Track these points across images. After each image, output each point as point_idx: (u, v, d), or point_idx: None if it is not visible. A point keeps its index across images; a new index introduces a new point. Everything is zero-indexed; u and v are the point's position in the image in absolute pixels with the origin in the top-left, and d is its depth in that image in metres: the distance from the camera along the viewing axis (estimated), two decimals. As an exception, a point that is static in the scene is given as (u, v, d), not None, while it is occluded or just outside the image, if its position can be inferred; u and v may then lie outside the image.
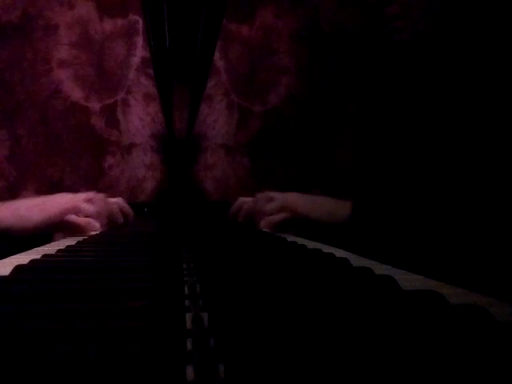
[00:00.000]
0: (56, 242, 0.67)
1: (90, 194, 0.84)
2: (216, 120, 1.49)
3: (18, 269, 0.36)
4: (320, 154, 1.50)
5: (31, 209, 0.72)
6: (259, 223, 0.84)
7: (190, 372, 0.18)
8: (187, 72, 0.63)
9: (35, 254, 0.50)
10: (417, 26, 0.77)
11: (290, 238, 0.71)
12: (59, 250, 0.49)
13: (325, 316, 0.23)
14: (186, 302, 0.28)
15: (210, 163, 1.49)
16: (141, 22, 1.44)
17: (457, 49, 0.77)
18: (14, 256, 0.51)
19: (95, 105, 1.45)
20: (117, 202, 0.94)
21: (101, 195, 0.88)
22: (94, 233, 0.76)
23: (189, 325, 0.23)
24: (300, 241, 0.67)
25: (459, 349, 0.19)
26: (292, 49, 1.50)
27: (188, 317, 0.24)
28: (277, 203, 0.84)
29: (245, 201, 0.99)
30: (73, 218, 0.72)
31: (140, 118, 1.47)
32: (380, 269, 0.41)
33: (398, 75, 1.32)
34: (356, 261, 0.44)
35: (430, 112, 0.84)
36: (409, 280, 0.36)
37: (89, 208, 0.77)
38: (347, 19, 1.50)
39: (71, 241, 0.65)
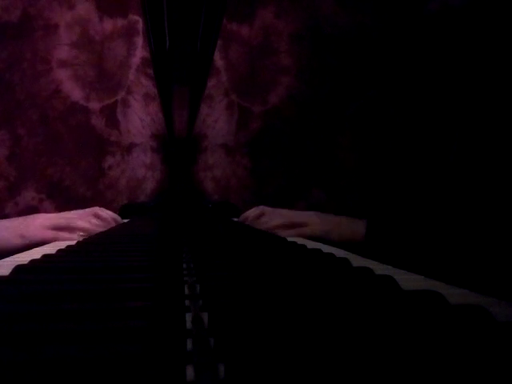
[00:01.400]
0: (56, 242, 0.67)
1: (80, 212, 0.83)
2: (216, 120, 1.49)
3: (18, 269, 0.36)
4: (320, 154, 1.50)
5: (11, 234, 0.71)
6: None
7: (190, 372, 0.18)
8: (187, 72, 0.63)
9: (35, 254, 0.50)
10: (451, 1, 0.76)
11: (290, 238, 0.71)
12: (59, 250, 0.49)
13: (325, 316, 0.23)
14: (186, 302, 0.28)
15: (210, 163, 1.49)
16: (141, 22, 1.44)
17: (483, 36, 0.76)
18: (14, 256, 0.51)
19: (95, 105, 1.45)
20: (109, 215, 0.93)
21: (93, 211, 0.87)
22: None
23: (189, 325, 0.23)
24: (300, 241, 0.67)
25: (459, 349, 0.19)
26: (292, 49, 1.50)
27: (188, 317, 0.24)
28: (281, 219, 0.84)
29: (247, 216, 0.99)
30: (66, 238, 0.71)
31: (140, 118, 1.47)
32: (380, 269, 0.41)
33: (404, 72, 1.31)
34: (356, 261, 0.44)
35: (431, 112, 0.84)
36: (409, 280, 0.36)
37: (82, 224, 0.76)
38: (347, 19, 1.50)
39: (71, 241, 0.65)
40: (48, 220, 0.74)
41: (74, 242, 0.60)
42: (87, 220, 0.79)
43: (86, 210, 0.88)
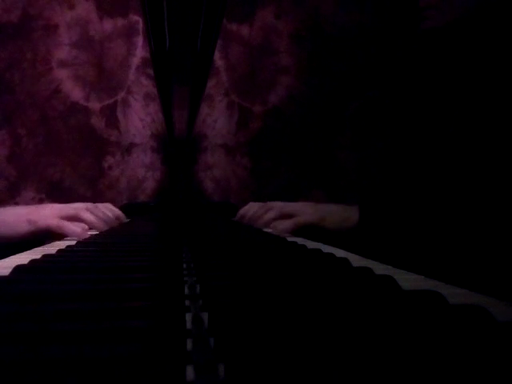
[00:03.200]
0: (56, 242, 0.67)
1: (88, 204, 0.84)
2: (216, 120, 1.49)
3: (18, 269, 0.36)
4: (320, 154, 1.50)
5: (19, 218, 0.72)
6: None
7: (190, 372, 0.18)
8: (187, 72, 0.63)
9: (35, 254, 0.50)
10: (447, 17, 0.77)
11: (290, 238, 0.71)
12: (59, 250, 0.49)
13: (325, 316, 0.23)
14: (186, 302, 0.28)
15: (210, 163, 1.49)
16: (141, 22, 1.44)
17: (480, 46, 0.76)
18: (14, 256, 0.51)
19: (95, 105, 1.45)
20: (108, 208, 0.94)
21: (95, 204, 0.88)
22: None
23: (189, 325, 0.23)
24: (300, 241, 0.67)
25: (459, 349, 0.19)
26: (292, 49, 1.50)
27: (188, 317, 0.24)
28: (275, 211, 0.84)
29: (246, 212, 1.00)
30: (69, 228, 0.71)
31: (140, 118, 1.47)
32: (380, 269, 0.41)
33: (404, 71, 1.32)
34: (356, 261, 0.44)
35: (432, 112, 0.84)
36: (409, 280, 0.36)
37: (89, 217, 0.77)
38: (347, 19, 1.50)
39: (71, 241, 0.65)
40: (57, 209, 0.76)
41: (73, 242, 0.60)
42: (95, 213, 0.80)
43: (96, 204, 0.88)
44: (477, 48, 0.77)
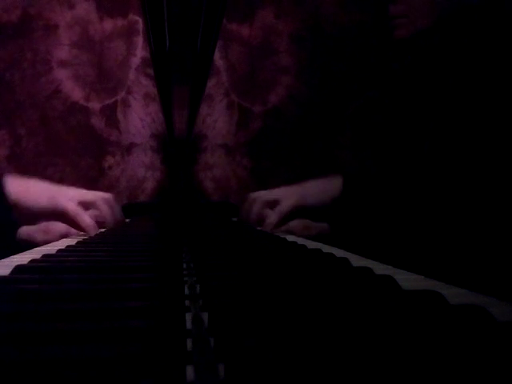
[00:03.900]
0: (56, 242, 0.67)
1: (106, 195, 0.84)
2: (216, 120, 1.49)
3: (18, 269, 0.36)
4: (320, 154, 1.50)
5: (42, 193, 0.73)
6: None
7: (190, 372, 0.18)
8: (187, 72, 0.63)
9: (35, 254, 0.50)
10: (417, 25, 0.78)
11: (290, 238, 0.71)
12: (59, 250, 0.49)
13: (325, 316, 0.23)
14: (186, 302, 0.28)
15: (210, 163, 1.49)
16: (141, 22, 1.44)
17: (455, 50, 0.78)
18: (14, 256, 0.51)
19: (95, 105, 1.45)
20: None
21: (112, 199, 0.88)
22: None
23: (189, 325, 0.23)
24: (300, 241, 0.67)
25: (459, 349, 0.19)
26: (292, 49, 1.50)
27: (188, 317, 0.24)
28: (258, 204, 0.84)
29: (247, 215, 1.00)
30: (83, 218, 0.71)
31: (140, 118, 1.47)
32: (380, 269, 0.41)
33: (398, 74, 1.33)
34: (356, 261, 0.44)
35: (431, 111, 0.84)
36: (409, 280, 0.36)
37: (105, 208, 0.78)
38: (347, 19, 1.50)
39: (71, 241, 0.65)
40: (78, 193, 0.77)
41: (73, 242, 0.60)
42: (110, 207, 0.81)
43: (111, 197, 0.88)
44: (453, 53, 0.78)
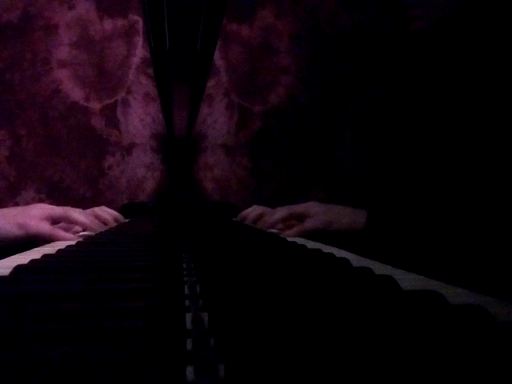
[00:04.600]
0: (56, 242, 0.67)
1: (76, 210, 0.82)
2: (216, 120, 1.49)
3: (18, 269, 0.36)
4: (320, 154, 1.50)
5: (8, 222, 0.70)
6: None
7: (189, 372, 0.18)
8: (187, 72, 0.63)
9: (35, 253, 0.50)
10: (434, 16, 0.77)
11: (290, 238, 0.71)
12: (59, 250, 0.49)
13: (325, 316, 0.23)
14: (186, 302, 0.28)
15: (210, 163, 1.49)
16: (141, 22, 1.44)
17: (470, 45, 0.76)
18: (14, 256, 0.51)
19: (95, 105, 1.45)
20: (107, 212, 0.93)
21: (92, 211, 0.87)
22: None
23: (189, 325, 0.23)
24: (300, 241, 0.67)
25: (459, 349, 0.19)
26: (292, 49, 1.51)
27: (188, 317, 0.24)
28: (284, 211, 0.84)
29: (246, 216, 0.99)
30: (61, 236, 0.70)
31: (140, 118, 1.47)
32: (380, 269, 0.41)
33: (403, 72, 1.32)
34: (356, 261, 0.44)
35: (432, 112, 0.84)
36: (409, 280, 0.36)
37: (78, 217, 0.75)
38: (347, 19, 1.50)
39: (71, 241, 0.65)
40: (45, 210, 0.73)
41: (73, 242, 0.60)
42: (85, 215, 0.78)
43: (87, 210, 0.88)
44: (468, 47, 0.76)
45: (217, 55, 1.45)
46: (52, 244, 0.65)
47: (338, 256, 0.45)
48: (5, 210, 0.73)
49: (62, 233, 0.70)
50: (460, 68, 0.78)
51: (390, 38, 1.43)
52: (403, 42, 1.16)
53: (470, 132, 0.72)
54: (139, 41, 1.46)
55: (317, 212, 0.80)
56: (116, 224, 0.95)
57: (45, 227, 0.69)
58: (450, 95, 0.78)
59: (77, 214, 0.76)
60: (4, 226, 0.69)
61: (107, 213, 0.93)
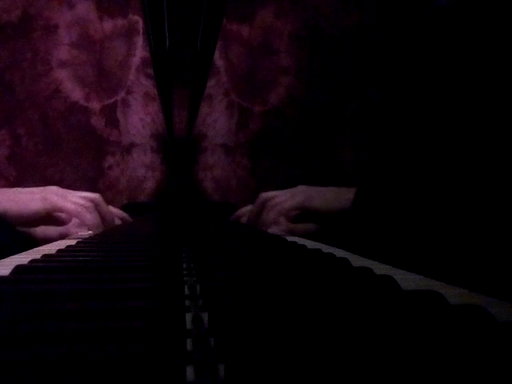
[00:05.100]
0: (56, 242, 0.67)
1: (94, 196, 0.82)
2: (216, 120, 1.49)
3: (18, 269, 0.36)
4: (320, 154, 1.50)
5: (33, 196, 0.70)
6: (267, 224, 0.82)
7: (190, 372, 0.18)
8: (187, 72, 0.63)
9: (35, 253, 0.50)
10: None
11: (290, 238, 0.71)
12: (59, 250, 0.49)
13: (325, 316, 0.23)
14: (186, 302, 0.28)
15: (210, 163, 1.49)
16: (141, 22, 1.44)
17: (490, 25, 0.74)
18: (14, 256, 0.51)
19: (95, 105, 1.45)
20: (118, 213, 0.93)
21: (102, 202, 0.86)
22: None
23: (189, 325, 0.23)
24: (300, 241, 0.67)
25: (459, 349, 0.19)
26: (292, 49, 1.50)
27: (188, 317, 0.24)
28: (274, 211, 0.83)
29: (243, 213, 0.99)
30: (86, 216, 0.69)
31: (140, 118, 1.47)
32: (380, 269, 0.41)
33: (406, 70, 1.31)
34: (356, 261, 0.44)
35: (432, 112, 0.83)
36: (409, 280, 0.36)
37: (89, 218, 0.74)
38: (347, 19, 1.50)
39: (71, 241, 0.65)
40: (70, 194, 0.74)
41: (73, 242, 0.60)
42: (96, 221, 0.78)
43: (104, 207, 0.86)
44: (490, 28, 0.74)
45: (217, 55, 1.45)
46: (52, 244, 0.65)
47: (337, 256, 0.46)
48: (26, 189, 0.73)
49: (88, 215, 0.69)
50: (476, 57, 0.76)
51: (390, 37, 1.43)
52: (430, 14, 1.13)
53: (472, 131, 0.72)
54: (139, 41, 1.46)
55: (299, 190, 0.80)
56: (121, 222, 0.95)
57: (71, 205, 0.69)
58: (456, 93, 0.77)
59: (88, 215, 0.74)
60: (28, 199, 0.69)
61: (115, 219, 0.92)
